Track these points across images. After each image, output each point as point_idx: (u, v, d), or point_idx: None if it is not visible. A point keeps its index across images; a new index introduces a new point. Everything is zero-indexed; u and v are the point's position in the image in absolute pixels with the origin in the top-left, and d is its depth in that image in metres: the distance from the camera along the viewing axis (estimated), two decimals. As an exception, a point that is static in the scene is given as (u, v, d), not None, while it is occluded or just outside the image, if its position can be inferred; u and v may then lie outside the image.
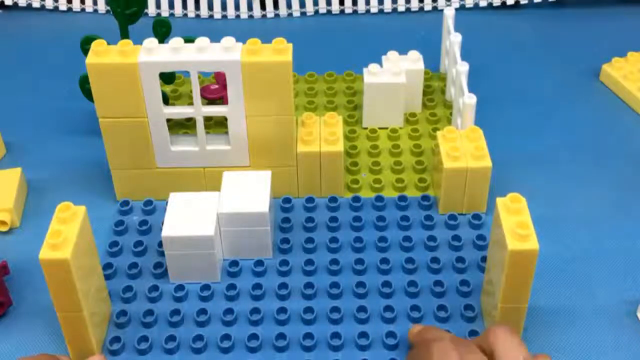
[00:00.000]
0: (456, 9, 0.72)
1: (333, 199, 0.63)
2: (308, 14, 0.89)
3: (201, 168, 0.62)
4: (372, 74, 0.68)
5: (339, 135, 0.62)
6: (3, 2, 0.90)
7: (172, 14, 0.89)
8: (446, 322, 0.54)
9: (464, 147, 0.61)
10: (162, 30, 0.66)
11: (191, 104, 0.59)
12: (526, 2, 0.88)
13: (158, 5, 0.89)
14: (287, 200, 0.63)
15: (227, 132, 0.61)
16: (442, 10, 0.75)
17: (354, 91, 0.75)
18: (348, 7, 0.89)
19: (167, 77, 0.71)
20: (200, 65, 0.57)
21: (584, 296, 0.56)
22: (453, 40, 0.69)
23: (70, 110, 0.73)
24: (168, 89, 0.74)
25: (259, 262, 0.58)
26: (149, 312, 0.55)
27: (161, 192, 0.62)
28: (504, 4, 0.89)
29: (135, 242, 0.60)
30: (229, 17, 0.89)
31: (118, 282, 0.57)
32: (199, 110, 0.59)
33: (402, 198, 0.63)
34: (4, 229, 0.62)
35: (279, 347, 0.52)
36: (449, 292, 0.56)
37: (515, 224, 0.48)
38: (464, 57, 0.67)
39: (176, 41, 0.57)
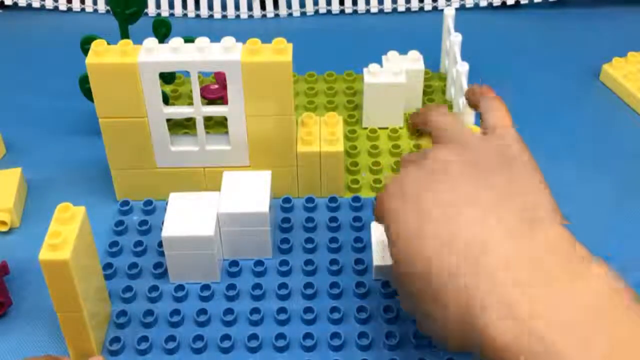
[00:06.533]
0: (456, 9, 0.72)
1: (333, 199, 0.63)
2: (308, 14, 0.89)
3: (201, 168, 0.62)
4: (372, 74, 0.68)
5: (339, 135, 0.62)
6: (3, 2, 0.90)
7: (172, 14, 0.89)
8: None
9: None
10: (162, 30, 0.66)
11: (191, 104, 0.59)
12: (526, 2, 0.88)
13: (158, 5, 0.89)
14: (287, 200, 0.63)
15: (227, 132, 0.61)
16: (442, 10, 0.75)
17: (354, 91, 0.75)
18: (348, 7, 0.89)
19: (167, 77, 0.71)
20: (200, 65, 0.57)
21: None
22: (453, 40, 0.69)
23: (70, 110, 0.73)
24: (168, 89, 0.74)
25: (259, 262, 0.58)
26: (149, 312, 0.55)
27: (161, 192, 0.62)
28: (504, 4, 0.89)
29: (135, 242, 0.60)
30: (229, 17, 0.89)
31: (118, 282, 0.57)
32: (199, 110, 0.59)
33: (402, 198, 0.63)
34: (4, 229, 0.62)
35: (279, 347, 0.52)
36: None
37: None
38: (464, 57, 0.67)
39: (176, 41, 0.57)
